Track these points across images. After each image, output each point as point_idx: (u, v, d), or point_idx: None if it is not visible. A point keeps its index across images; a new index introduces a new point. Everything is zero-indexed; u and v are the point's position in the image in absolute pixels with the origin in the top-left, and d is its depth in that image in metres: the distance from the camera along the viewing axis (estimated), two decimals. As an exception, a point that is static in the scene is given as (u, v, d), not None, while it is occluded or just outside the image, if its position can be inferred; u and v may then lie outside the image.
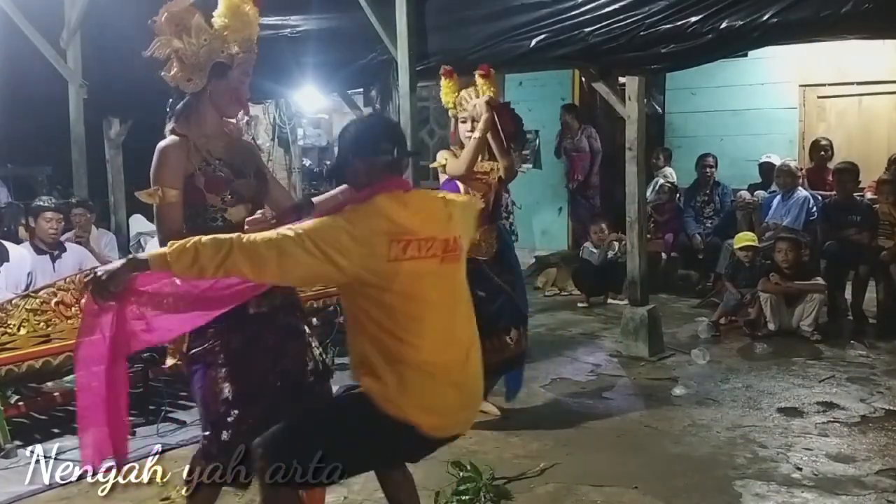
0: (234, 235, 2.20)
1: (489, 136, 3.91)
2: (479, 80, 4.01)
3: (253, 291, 2.43)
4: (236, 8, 2.63)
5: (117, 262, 2.25)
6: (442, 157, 4.07)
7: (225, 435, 2.54)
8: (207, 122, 2.67)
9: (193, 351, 2.58)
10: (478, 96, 3.96)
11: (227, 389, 2.54)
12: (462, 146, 4.01)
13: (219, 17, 2.62)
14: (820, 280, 5.76)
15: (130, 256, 2.30)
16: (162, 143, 2.63)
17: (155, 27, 2.63)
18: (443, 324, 2.31)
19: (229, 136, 2.77)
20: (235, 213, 2.65)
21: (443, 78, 4.12)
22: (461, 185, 3.97)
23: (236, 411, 2.54)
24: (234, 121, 2.80)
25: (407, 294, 2.24)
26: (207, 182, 2.61)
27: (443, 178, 4.07)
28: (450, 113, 4.16)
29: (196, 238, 2.17)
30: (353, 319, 2.34)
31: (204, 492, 2.66)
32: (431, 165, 4.14)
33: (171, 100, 2.69)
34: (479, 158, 3.97)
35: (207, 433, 2.59)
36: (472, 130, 3.94)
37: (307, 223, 2.26)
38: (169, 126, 2.66)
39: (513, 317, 4.06)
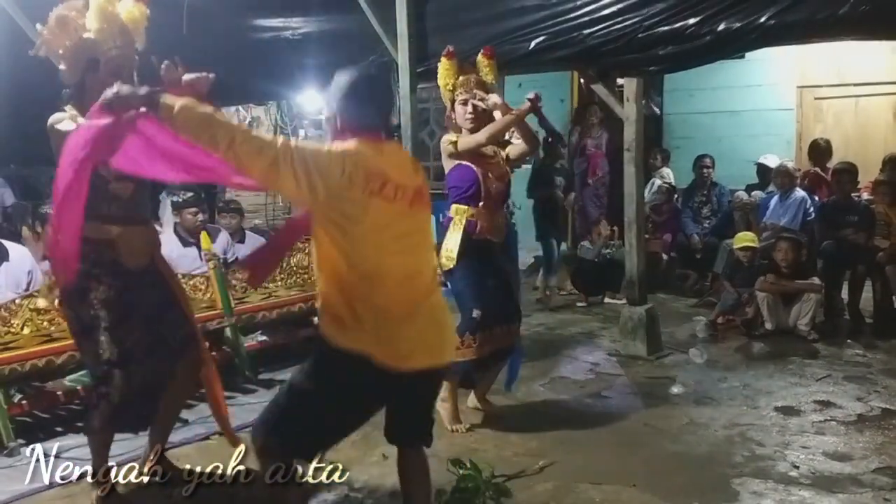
0: (239, 124, 2.38)
1: (517, 125, 3.88)
2: (481, 61, 4.01)
3: (222, 178, 2.64)
4: (103, 10, 2.91)
5: (142, 88, 2.40)
6: (450, 139, 3.93)
7: (107, 388, 2.96)
8: (87, 109, 2.90)
9: (81, 312, 2.96)
10: (477, 80, 3.95)
11: (108, 352, 2.94)
12: (460, 131, 3.95)
13: (88, 19, 2.90)
14: (816, 280, 5.80)
15: (153, 89, 2.41)
16: (53, 117, 2.94)
17: (44, 27, 2.95)
18: (405, 260, 2.42)
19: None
20: (121, 188, 2.98)
21: (444, 59, 4.02)
22: (476, 168, 3.88)
23: (118, 371, 2.94)
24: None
25: (376, 228, 2.35)
26: None
27: (449, 165, 3.97)
28: (446, 97, 4.05)
29: (209, 110, 2.32)
30: (322, 259, 2.43)
31: (100, 436, 3.11)
32: (444, 143, 3.95)
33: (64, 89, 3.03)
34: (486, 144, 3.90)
35: (98, 388, 3.02)
36: (472, 113, 3.89)
37: (304, 143, 2.41)
38: (62, 108, 2.98)
39: (516, 307, 4.10)
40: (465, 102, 3.93)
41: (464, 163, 3.91)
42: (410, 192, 2.44)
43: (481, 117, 3.92)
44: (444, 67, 4.01)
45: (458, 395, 4.05)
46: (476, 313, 3.85)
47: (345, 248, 2.35)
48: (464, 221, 3.88)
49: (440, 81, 4.04)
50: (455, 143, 3.89)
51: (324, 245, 2.40)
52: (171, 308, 3.17)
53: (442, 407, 3.86)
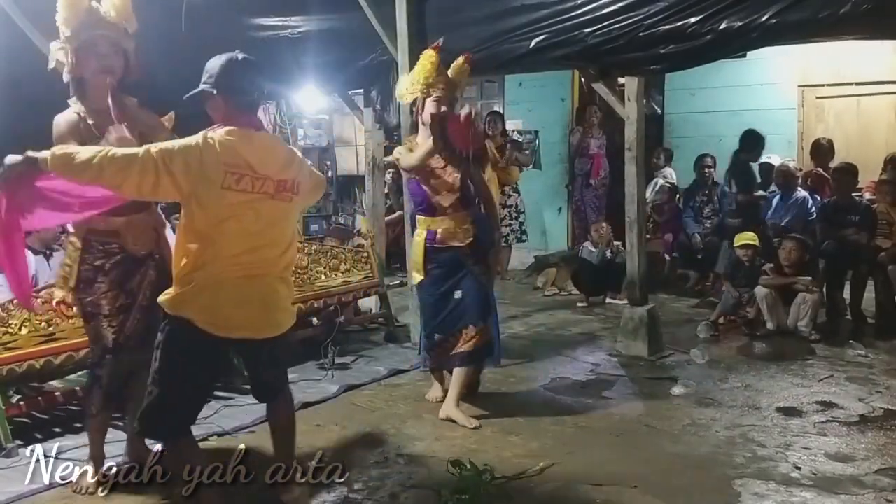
0: (105, 150, 2.56)
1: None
2: (458, 64, 4.08)
3: (110, 202, 2.85)
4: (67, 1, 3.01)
5: (18, 157, 2.60)
6: (396, 152, 4.13)
7: (100, 371, 3.20)
8: (91, 99, 3.09)
9: (85, 300, 3.16)
10: (450, 81, 4.04)
11: (105, 339, 3.17)
12: (417, 130, 4.15)
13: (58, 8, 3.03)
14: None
15: (28, 154, 2.61)
16: (58, 116, 3.07)
17: None
18: (250, 245, 2.67)
19: (119, 109, 3.08)
20: None
21: (431, 51, 4.02)
22: (423, 185, 4.01)
23: (109, 356, 3.17)
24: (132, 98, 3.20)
25: (228, 216, 2.61)
26: None
27: (406, 176, 4.30)
28: (419, 89, 4.03)
29: (75, 148, 2.61)
30: (181, 234, 2.71)
31: (98, 418, 3.28)
32: (386, 159, 4.25)
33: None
34: (433, 155, 3.96)
35: (94, 371, 3.24)
36: (436, 113, 3.99)
37: (168, 144, 2.61)
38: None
39: (479, 313, 4.04)
40: (437, 100, 4.00)
41: (414, 178, 4.08)
42: (272, 185, 2.68)
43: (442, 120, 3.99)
44: (428, 59, 4.01)
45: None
46: (437, 337, 4.11)
47: (198, 227, 2.62)
48: (424, 233, 4.05)
49: (420, 72, 4.03)
50: (398, 160, 4.10)
51: (183, 224, 2.67)
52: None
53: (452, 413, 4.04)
